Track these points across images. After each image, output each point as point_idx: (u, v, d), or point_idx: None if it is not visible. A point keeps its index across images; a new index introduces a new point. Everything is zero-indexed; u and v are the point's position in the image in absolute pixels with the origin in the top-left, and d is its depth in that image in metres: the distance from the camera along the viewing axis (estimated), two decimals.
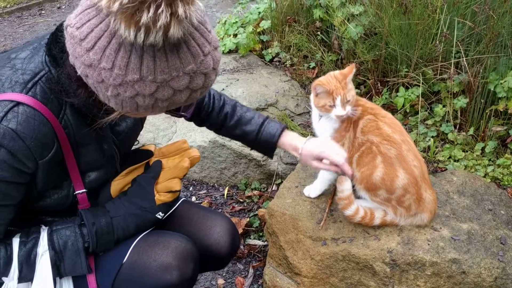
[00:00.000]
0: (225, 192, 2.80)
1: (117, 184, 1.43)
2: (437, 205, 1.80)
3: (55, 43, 1.19)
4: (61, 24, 1.15)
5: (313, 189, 1.96)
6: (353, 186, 1.78)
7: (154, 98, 1.04)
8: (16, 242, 1.25)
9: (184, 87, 1.05)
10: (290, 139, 1.72)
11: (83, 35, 1.01)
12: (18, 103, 1.12)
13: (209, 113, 1.74)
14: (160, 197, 1.40)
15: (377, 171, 1.69)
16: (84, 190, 1.32)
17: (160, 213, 1.42)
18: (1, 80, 1.15)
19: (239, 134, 1.75)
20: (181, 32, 0.99)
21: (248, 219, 2.53)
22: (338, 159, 1.62)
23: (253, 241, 2.44)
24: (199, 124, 1.79)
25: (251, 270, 2.30)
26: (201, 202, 2.74)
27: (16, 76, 1.15)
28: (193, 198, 2.80)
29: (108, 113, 1.18)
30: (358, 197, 1.80)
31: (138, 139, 1.61)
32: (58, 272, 1.27)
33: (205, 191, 2.85)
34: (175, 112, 1.30)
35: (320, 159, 1.65)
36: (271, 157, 1.79)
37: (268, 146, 1.73)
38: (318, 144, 1.66)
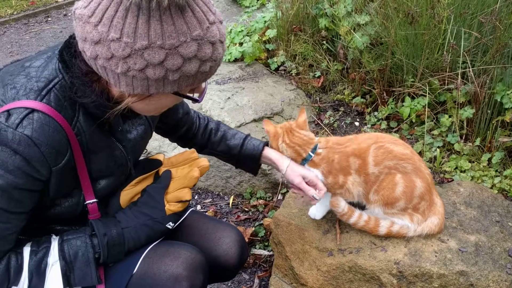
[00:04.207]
0: (230, 201, 2.80)
1: (127, 194, 1.43)
2: (444, 209, 1.82)
3: (67, 48, 1.20)
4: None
5: (318, 212, 1.93)
6: (364, 207, 1.80)
7: (164, 68, 1.05)
8: (27, 251, 1.25)
9: (192, 55, 1.06)
10: (274, 154, 1.76)
11: (90, 11, 1.04)
12: (33, 110, 1.13)
13: (195, 132, 1.78)
14: (170, 207, 1.40)
15: (398, 187, 1.69)
16: (95, 200, 1.32)
17: (170, 223, 1.42)
18: (16, 88, 1.16)
19: (223, 150, 1.78)
20: None
21: (253, 229, 2.53)
22: (317, 181, 1.69)
23: (258, 251, 2.43)
24: (184, 144, 1.84)
25: (256, 280, 2.29)
26: (206, 211, 2.74)
27: (30, 84, 1.16)
28: (198, 207, 2.80)
29: (118, 102, 1.20)
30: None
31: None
32: (68, 282, 1.27)
33: (210, 199, 2.85)
34: (188, 96, 1.28)
35: (302, 177, 1.69)
36: (256, 172, 1.82)
37: (252, 158, 1.76)
38: (300, 167, 1.72)
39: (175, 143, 1.87)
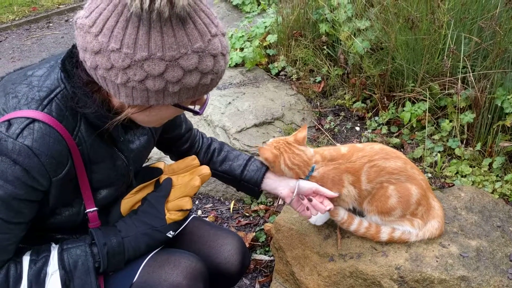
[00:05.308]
0: (231, 206, 2.80)
1: (127, 203, 1.43)
2: (443, 211, 1.83)
3: (70, 58, 1.20)
4: None
5: (319, 218, 1.93)
6: (362, 215, 1.81)
7: (164, 80, 1.04)
8: (26, 260, 1.24)
9: (193, 67, 1.05)
10: (277, 177, 1.71)
11: (91, 21, 1.04)
12: (34, 120, 1.12)
13: (197, 150, 1.76)
14: (171, 216, 1.40)
15: (391, 199, 1.70)
16: (95, 208, 1.32)
17: (171, 231, 1.41)
18: (18, 97, 1.15)
19: (225, 170, 1.74)
20: (186, 1, 1.00)
21: (254, 234, 2.53)
22: (329, 192, 1.66)
23: (259, 256, 2.43)
24: None
25: (257, 286, 2.29)
26: (207, 216, 2.74)
27: (32, 93, 1.16)
28: (199, 212, 2.80)
29: (118, 113, 1.19)
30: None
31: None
32: None
33: (211, 205, 2.85)
34: (189, 108, 1.26)
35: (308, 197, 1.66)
36: (258, 195, 1.76)
37: (255, 179, 1.71)
38: (309, 182, 1.68)
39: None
